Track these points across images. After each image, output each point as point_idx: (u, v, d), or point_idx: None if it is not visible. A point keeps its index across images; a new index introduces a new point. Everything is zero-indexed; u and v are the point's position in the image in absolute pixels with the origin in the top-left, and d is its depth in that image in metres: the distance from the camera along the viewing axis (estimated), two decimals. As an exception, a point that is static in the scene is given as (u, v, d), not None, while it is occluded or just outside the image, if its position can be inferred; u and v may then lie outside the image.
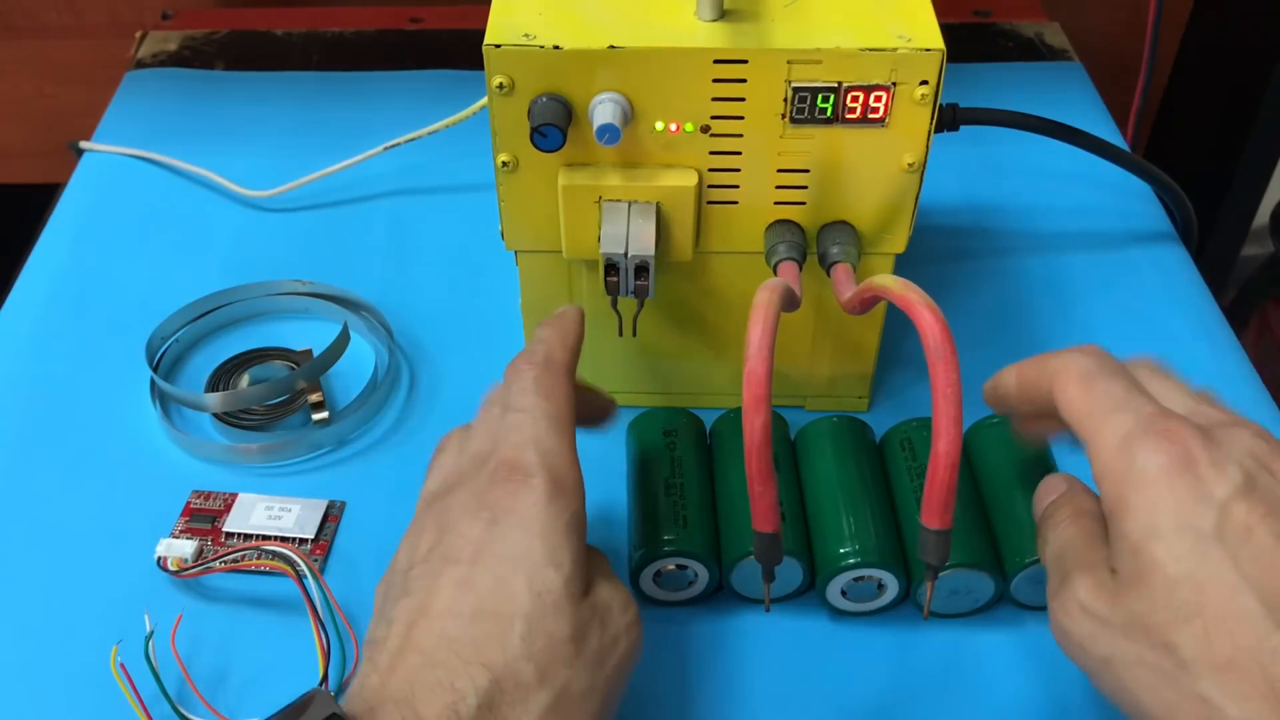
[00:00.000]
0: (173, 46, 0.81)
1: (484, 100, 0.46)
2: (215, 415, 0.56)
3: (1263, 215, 0.95)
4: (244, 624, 0.49)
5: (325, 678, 0.45)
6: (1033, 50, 0.82)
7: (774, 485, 0.39)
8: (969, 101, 0.56)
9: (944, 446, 0.37)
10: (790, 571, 0.47)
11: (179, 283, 0.63)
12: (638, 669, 0.45)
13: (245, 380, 0.58)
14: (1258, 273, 0.97)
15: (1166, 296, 0.63)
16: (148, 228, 0.68)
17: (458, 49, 0.81)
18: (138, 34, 0.83)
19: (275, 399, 0.56)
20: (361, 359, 0.59)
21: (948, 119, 0.54)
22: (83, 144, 0.73)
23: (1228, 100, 0.90)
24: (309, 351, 0.59)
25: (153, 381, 0.57)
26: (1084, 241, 0.67)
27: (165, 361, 0.59)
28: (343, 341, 0.57)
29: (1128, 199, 0.70)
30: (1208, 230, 0.92)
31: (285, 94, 0.78)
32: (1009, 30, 0.84)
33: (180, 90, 0.78)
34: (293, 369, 0.58)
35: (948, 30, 0.44)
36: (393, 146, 0.65)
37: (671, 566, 0.47)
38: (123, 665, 0.44)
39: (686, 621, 0.49)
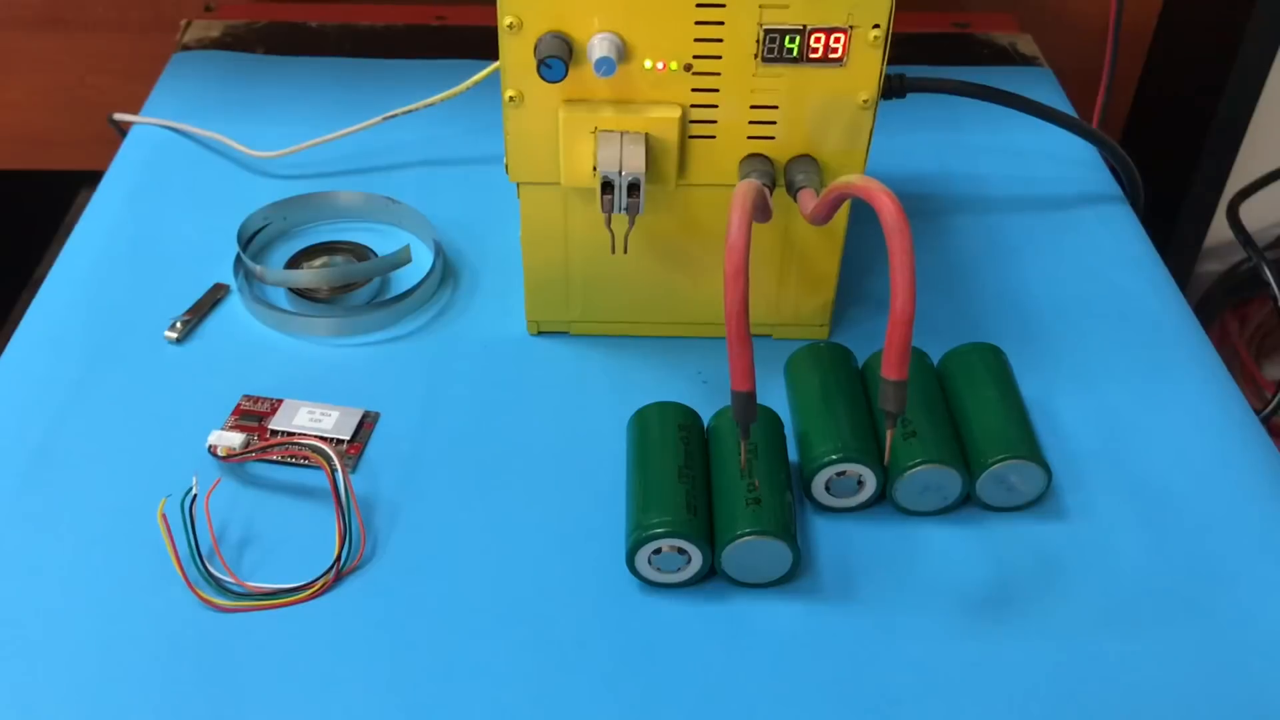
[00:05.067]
0: (215, 34, 0.88)
1: (491, 67, 0.52)
2: (289, 289, 0.64)
3: (1218, 231, 0.99)
4: (275, 506, 0.53)
5: (338, 558, 0.50)
6: (1006, 57, 0.88)
7: (750, 348, 0.45)
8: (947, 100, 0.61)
9: (900, 305, 0.43)
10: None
11: (225, 235, 0.67)
12: (634, 648, 0.48)
13: (316, 264, 0.66)
14: (1215, 285, 1.01)
15: (1113, 252, 0.68)
16: (194, 193, 0.72)
17: (481, 46, 0.87)
18: (183, 22, 0.89)
19: (341, 284, 0.64)
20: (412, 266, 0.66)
21: (896, 87, 0.60)
22: (120, 116, 0.78)
23: (1190, 109, 0.95)
24: (369, 249, 0.67)
25: (239, 257, 0.65)
26: (1034, 203, 0.72)
27: (252, 249, 0.67)
28: (404, 256, 0.64)
29: (1078, 168, 0.75)
30: (1167, 241, 0.97)
31: (321, 78, 0.83)
32: (985, 40, 0.90)
33: (223, 71, 0.84)
34: (356, 261, 0.66)
35: (930, 40, 0.48)
36: (392, 117, 0.72)
37: (673, 549, 0.49)
38: (165, 517, 0.49)
39: (683, 602, 0.50)
